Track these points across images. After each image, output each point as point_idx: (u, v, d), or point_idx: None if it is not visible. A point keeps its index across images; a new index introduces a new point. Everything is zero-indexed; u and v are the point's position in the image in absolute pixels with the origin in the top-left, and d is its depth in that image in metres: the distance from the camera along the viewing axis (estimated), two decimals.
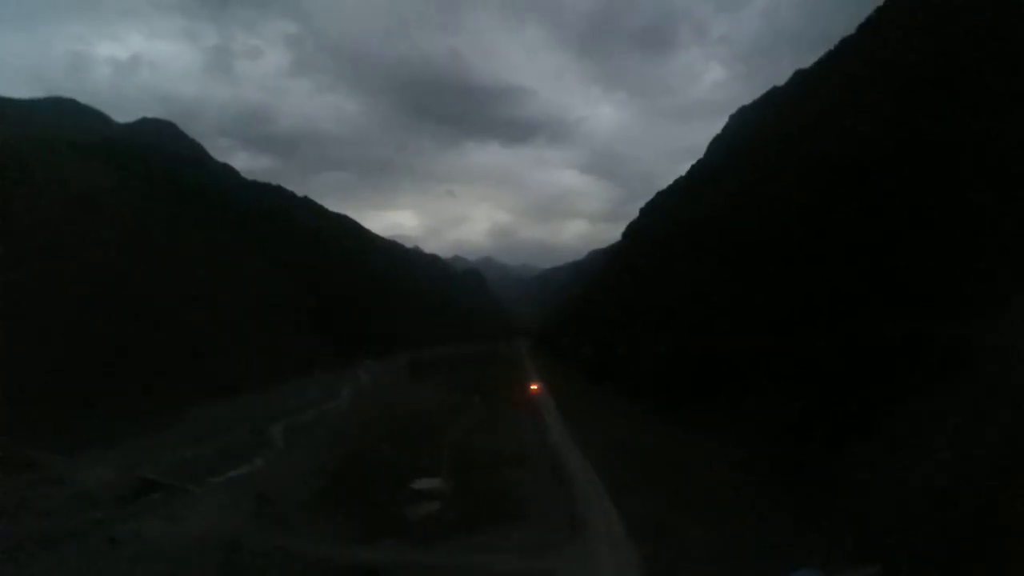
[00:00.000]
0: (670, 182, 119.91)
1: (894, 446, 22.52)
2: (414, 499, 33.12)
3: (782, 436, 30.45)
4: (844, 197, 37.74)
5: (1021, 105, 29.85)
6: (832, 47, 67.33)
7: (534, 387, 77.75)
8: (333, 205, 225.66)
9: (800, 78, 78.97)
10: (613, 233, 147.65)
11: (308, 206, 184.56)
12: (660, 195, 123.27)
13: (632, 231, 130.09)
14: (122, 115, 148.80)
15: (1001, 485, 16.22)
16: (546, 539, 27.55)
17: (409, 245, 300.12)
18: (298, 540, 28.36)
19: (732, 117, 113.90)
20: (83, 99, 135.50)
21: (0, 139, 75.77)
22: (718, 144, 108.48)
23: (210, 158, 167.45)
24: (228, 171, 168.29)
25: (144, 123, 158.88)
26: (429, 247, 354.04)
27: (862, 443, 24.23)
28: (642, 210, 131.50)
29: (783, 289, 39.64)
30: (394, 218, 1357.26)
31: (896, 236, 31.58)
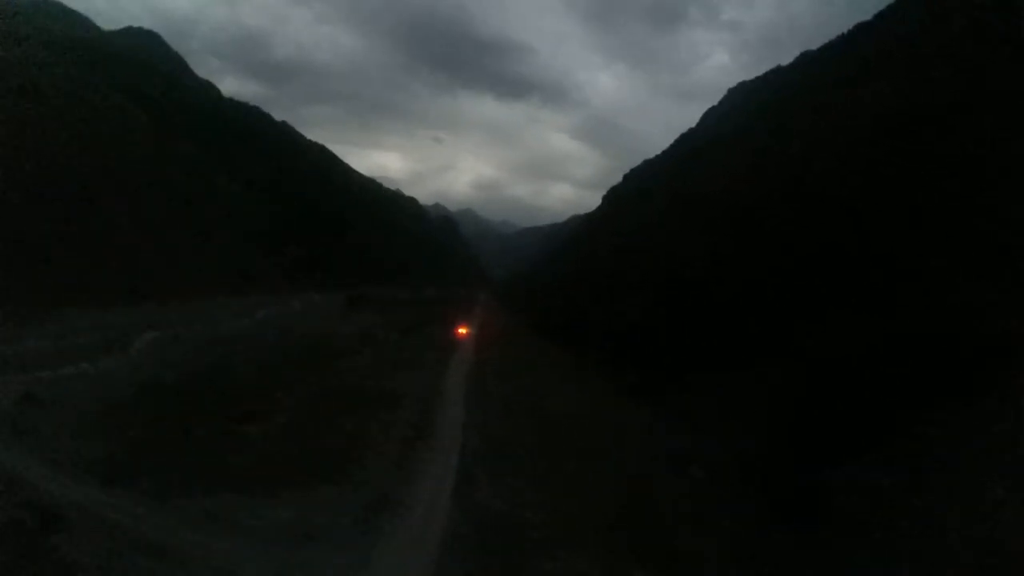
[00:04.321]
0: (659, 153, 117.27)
1: (926, 476, 16.63)
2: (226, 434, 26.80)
3: (758, 433, 24.66)
4: (843, 174, 35.27)
5: None
6: (844, 31, 64.34)
7: (463, 331, 74.84)
8: (320, 139, 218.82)
9: (805, 59, 76.93)
10: (597, 200, 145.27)
11: (285, 132, 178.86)
12: (647, 163, 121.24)
13: (614, 195, 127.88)
14: (109, 23, 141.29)
15: None
16: (323, 521, 20.03)
17: (391, 187, 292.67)
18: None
19: (731, 91, 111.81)
20: (69, 2, 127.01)
21: None
22: (712, 116, 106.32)
23: (191, 73, 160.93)
24: (208, 87, 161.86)
25: (128, 32, 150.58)
26: (412, 192, 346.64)
27: (878, 463, 18.06)
28: (626, 176, 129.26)
29: (772, 265, 36.81)
30: (379, 159, 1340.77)
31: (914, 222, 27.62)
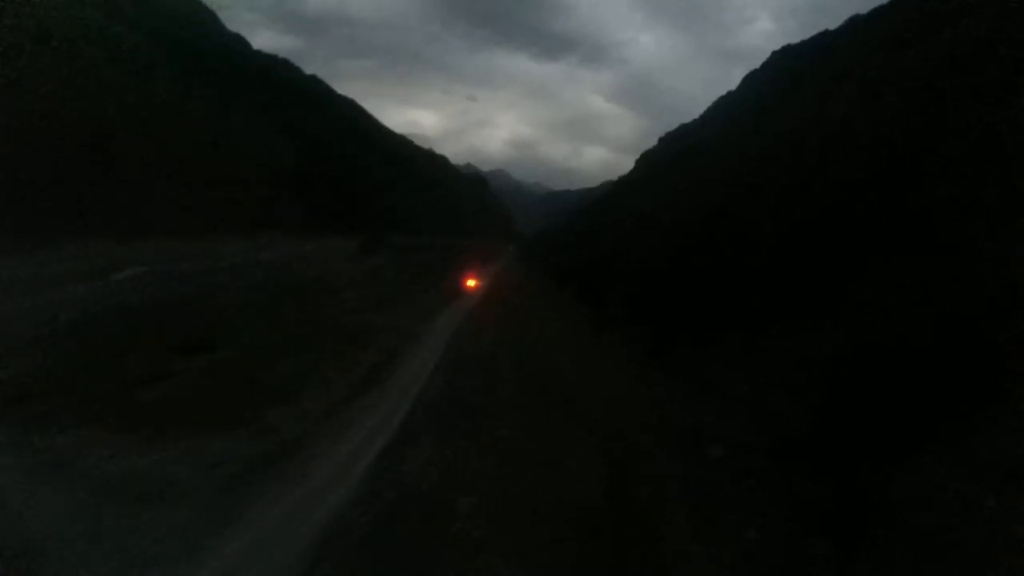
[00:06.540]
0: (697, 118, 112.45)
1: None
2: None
3: (800, 410, 19.22)
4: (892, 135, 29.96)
5: None
6: None
7: (472, 280, 71.42)
8: (355, 93, 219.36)
9: (855, 23, 71.27)
10: (631, 165, 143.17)
11: (314, 84, 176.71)
12: (683, 127, 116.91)
13: (646, 159, 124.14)
14: None
15: None
16: (183, 477, 16.75)
17: (424, 145, 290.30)
18: None
19: (774, 54, 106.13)
20: None
21: None
22: (753, 79, 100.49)
23: (221, 27, 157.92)
24: (237, 40, 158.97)
25: None
26: (444, 150, 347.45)
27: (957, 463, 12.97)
28: (661, 139, 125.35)
29: (821, 217, 31.59)
30: (414, 116, 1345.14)
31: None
